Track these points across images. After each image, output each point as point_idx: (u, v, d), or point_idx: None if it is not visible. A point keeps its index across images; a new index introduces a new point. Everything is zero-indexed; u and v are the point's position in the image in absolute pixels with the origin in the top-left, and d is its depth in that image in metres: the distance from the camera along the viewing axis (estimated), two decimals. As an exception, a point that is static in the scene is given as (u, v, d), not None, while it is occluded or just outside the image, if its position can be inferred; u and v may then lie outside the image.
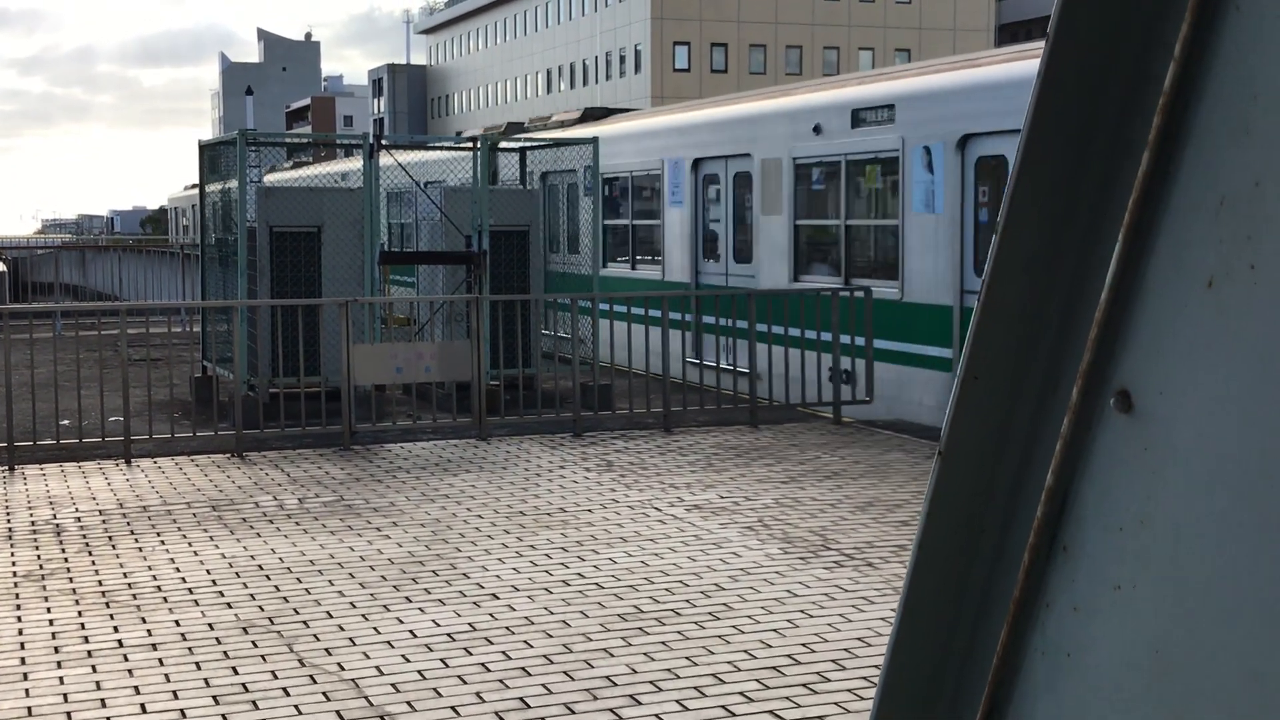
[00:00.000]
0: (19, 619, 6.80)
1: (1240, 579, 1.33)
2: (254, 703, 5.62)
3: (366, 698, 5.68)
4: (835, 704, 5.61)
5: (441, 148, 17.88)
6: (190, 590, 7.30)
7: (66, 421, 11.95)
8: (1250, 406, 1.31)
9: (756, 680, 5.88)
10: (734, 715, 5.49)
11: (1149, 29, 1.43)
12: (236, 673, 5.99)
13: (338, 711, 5.53)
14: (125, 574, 7.62)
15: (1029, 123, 1.49)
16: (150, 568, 7.75)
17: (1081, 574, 1.49)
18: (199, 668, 6.05)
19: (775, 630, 6.56)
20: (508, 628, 6.61)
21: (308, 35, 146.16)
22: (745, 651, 6.25)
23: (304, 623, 6.71)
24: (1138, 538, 1.43)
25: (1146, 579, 1.42)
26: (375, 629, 6.60)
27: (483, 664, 6.09)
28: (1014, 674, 1.56)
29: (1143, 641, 1.42)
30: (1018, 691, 1.56)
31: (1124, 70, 1.46)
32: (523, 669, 6.01)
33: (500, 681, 5.86)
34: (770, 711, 5.53)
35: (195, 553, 8.09)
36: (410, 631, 6.56)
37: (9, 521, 8.92)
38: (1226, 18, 1.33)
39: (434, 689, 5.77)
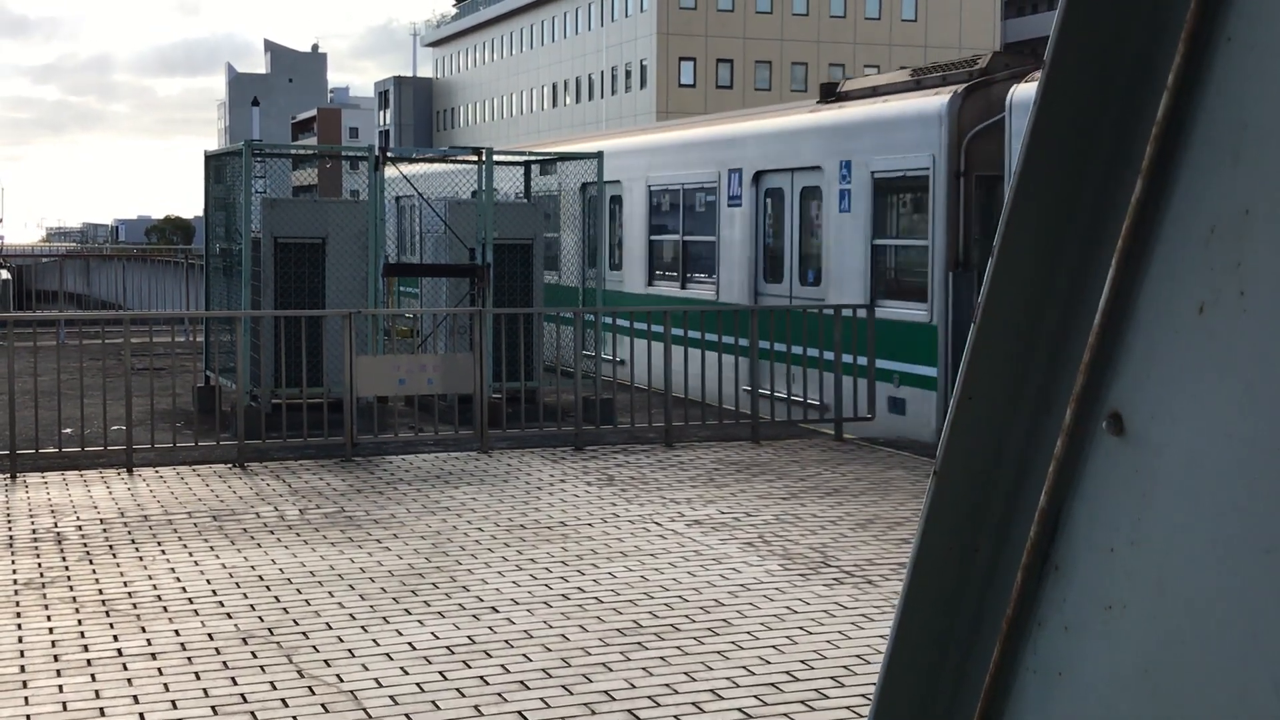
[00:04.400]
0: (19, 627, 6.81)
1: (1228, 600, 1.35)
2: (253, 713, 5.63)
3: (365, 710, 5.69)
4: (833, 721, 5.62)
5: (446, 160, 17.93)
6: (190, 600, 7.31)
7: (69, 430, 11.97)
8: (1239, 430, 1.34)
9: (755, 697, 5.88)
10: (731, 731, 5.49)
11: (1143, 59, 1.46)
12: (235, 683, 6.00)
13: (336, 723, 5.54)
14: (126, 583, 7.64)
15: (1025, 149, 1.51)
16: (151, 577, 7.77)
17: (1073, 594, 1.51)
18: (198, 677, 6.07)
19: (774, 646, 6.57)
20: (507, 641, 6.62)
21: (314, 47, 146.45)
22: (744, 667, 6.26)
23: (303, 634, 6.73)
24: (1128, 559, 1.45)
25: (1137, 599, 1.44)
26: (374, 641, 6.61)
27: (481, 677, 6.10)
28: (1006, 692, 1.58)
29: (1132, 661, 1.44)
30: (1009, 709, 1.58)
31: (1118, 99, 1.48)
32: (521, 683, 6.02)
33: (499, 695, 5.87)
34: (768, 728, 5.53)
35: (196, 562, 8.10)
36: (409, 644, 6.57)
37: (10, 529, 8.94)
38: (1218, 49, 1.36)
39: (432, 702, 5.78)
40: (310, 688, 5.95)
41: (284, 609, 7.15)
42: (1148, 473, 1.43)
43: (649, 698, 5.84)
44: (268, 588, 7.56)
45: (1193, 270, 1.38)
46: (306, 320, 12.42)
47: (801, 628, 6.88)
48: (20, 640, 6.60)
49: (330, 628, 6.82)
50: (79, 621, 6.90)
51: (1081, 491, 1.50)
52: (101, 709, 5.68)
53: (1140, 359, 1.43)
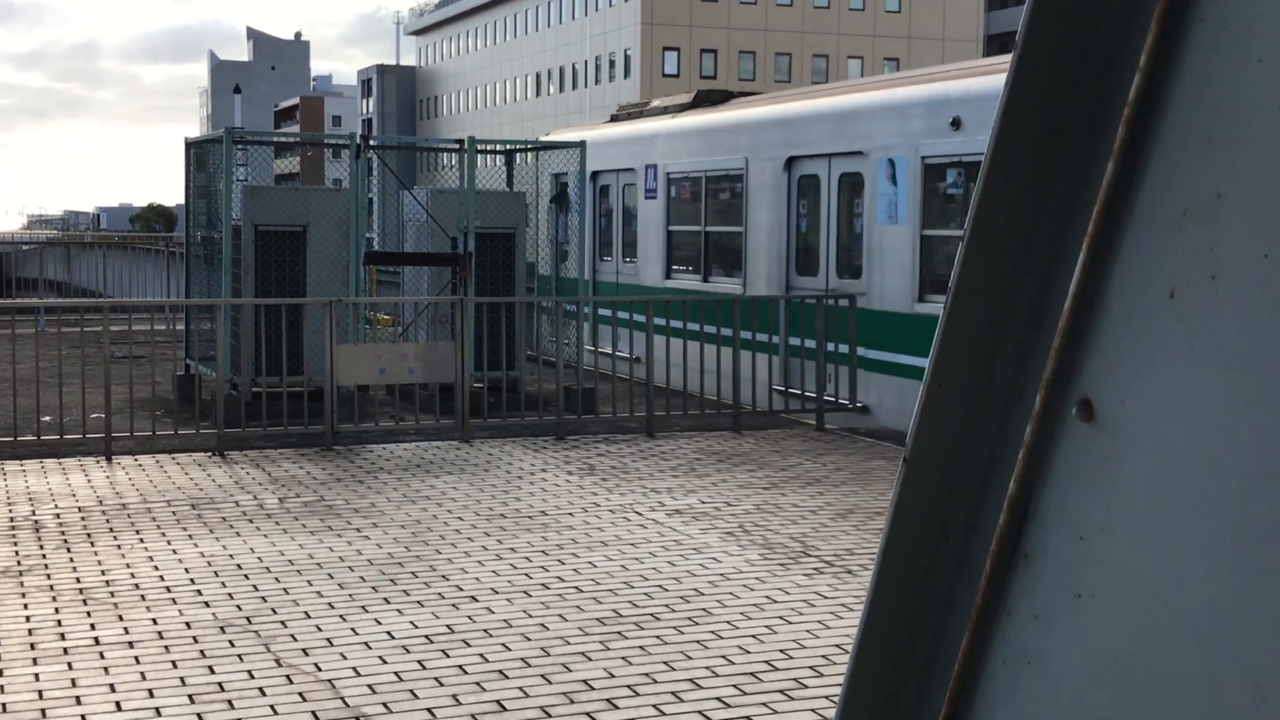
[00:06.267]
0: (-5, 616, 6.77)
1: (1200, 588, 1.34)
2: (230, 702, 5.61)
3: (343, 698, 5.67)
4: (812, 710, 5.62)
5: (428, 149, 17.87)
6: (168, 589, 7.27)
7: (48, 418, 11.90)
8: (1210, 416, 1.32)
9: (734, 686, 5.88)
10: (710, 720, 5.48)
11: (1115, 40, 1.44)
12: (213, 672, 5.97)
13: (314, 712, 5.52)
14: (103, 571, 7.60)
15: (996, 132, 1.49)
16: (129, 566, 7.73)
17: (1042, 582, 1.50)
18: (175, 666, 6.04)
19: (754, 636, 6.56)
20: (486, 630, 6.60)
21: (297, 35, 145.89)
22: (723, 657, 6.25)
23: (281, 623, 6.70)
24: (1098, 546, 1.43)
25: (1107, 587, 1.43)
26: (353, 630, 6.59)
27: (460, 666, 6.08)
28: (974, 682, 1.56)
29: (1102, 650, 1.43)
30: (978, 699, 1.56)
31: (1090, 81, 1.46)
32: (500, 672, 6.01)
33: (477, 684, 5.85)
34: (747, 717, 5.53)
35: (174, 551, 8.06)
36: (388, 633, 6.55)
37: (-13, 518, 8.88)
38: (1191, 29, 1.34)
39: (411, 691, 5.76)
40: (288, 676, 5.92)
41: (262, 598, 7.12)
42: (1118, 459, 1.41)
43: (628, 687, 5.83)
44: (246, 577, 7.53)
45: (1164, 254, 1.36)
46: (287, 308, 12.37)
47: (781, 617, 6.88)
48: (-4, 629, 6.56)
49: (309, 617, 6.80)
50: (56, 610, 6.86)
51: (1052, 478, 1.48)
52: (78, 698, 5.65)
53: (1110, 344, 1.41)
